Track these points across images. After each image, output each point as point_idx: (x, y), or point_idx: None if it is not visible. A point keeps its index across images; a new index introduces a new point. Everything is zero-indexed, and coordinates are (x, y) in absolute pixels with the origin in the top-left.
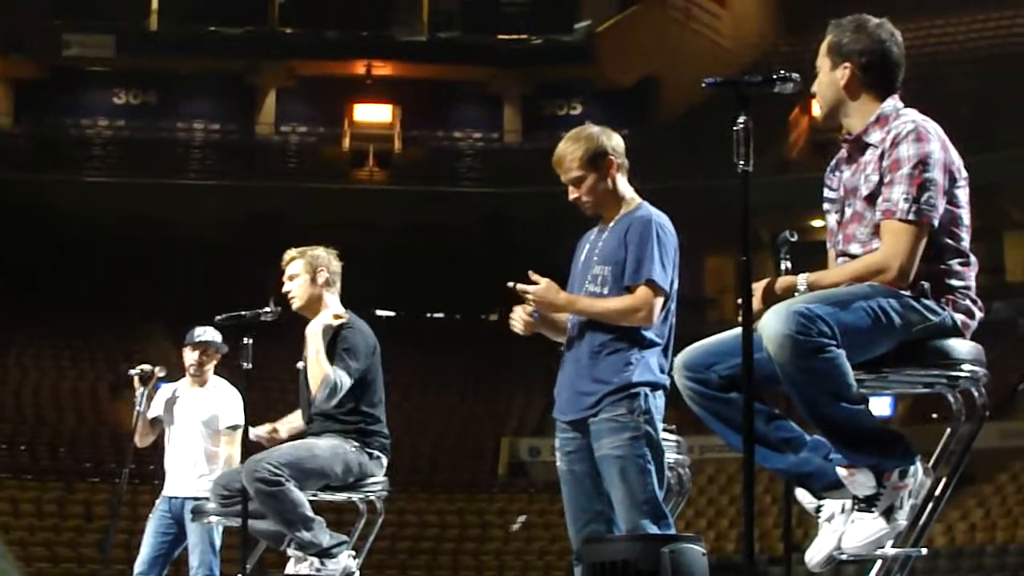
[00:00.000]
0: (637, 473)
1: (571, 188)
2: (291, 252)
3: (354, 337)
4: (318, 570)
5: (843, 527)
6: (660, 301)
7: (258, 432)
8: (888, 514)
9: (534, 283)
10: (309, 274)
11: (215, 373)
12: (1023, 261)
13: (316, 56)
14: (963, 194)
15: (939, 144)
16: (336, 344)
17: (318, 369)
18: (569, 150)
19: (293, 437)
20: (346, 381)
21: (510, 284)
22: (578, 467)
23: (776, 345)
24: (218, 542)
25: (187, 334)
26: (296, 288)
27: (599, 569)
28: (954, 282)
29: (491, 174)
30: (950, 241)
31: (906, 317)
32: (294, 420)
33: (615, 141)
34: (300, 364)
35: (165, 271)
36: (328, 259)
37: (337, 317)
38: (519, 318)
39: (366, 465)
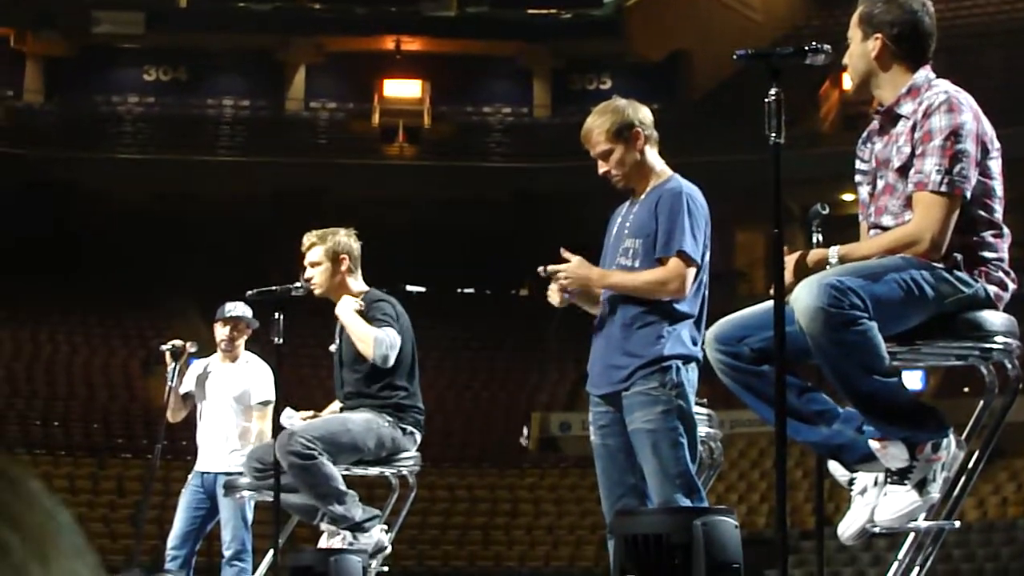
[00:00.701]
0: (669, 447)
1: (600, 162)
2: (310, 237)
3: (385, 307)
4: (351, 544)
5: (876, 500)
6: (692, 272)
7: (292, 420)
8: (921, 487)
9: (566, 261)
10: (331, 261)
11: (246, 348)
12: None
13: (345, 32)
14: (996, 165)
15: (971, 115)
16: (369, 315)
17: (363, 334)
18: (596, 124)
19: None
20: (395, 337)
21: (540, 269)
22: (611, 441)
23: (808, 318)
24: (250, 517)
25: (218, 309)
26: (318, 276)
27: (632, 542)
28: (987, 254)
29: (520, 149)
30: (983, 213)
31: (938, 289)
32: (335, 409)
33: (642, 113)
34: (333, 347)
35: (195, 247)
36: (349, 243)
37: (360, 295)
38: (554, 291)
39: (399, 440)
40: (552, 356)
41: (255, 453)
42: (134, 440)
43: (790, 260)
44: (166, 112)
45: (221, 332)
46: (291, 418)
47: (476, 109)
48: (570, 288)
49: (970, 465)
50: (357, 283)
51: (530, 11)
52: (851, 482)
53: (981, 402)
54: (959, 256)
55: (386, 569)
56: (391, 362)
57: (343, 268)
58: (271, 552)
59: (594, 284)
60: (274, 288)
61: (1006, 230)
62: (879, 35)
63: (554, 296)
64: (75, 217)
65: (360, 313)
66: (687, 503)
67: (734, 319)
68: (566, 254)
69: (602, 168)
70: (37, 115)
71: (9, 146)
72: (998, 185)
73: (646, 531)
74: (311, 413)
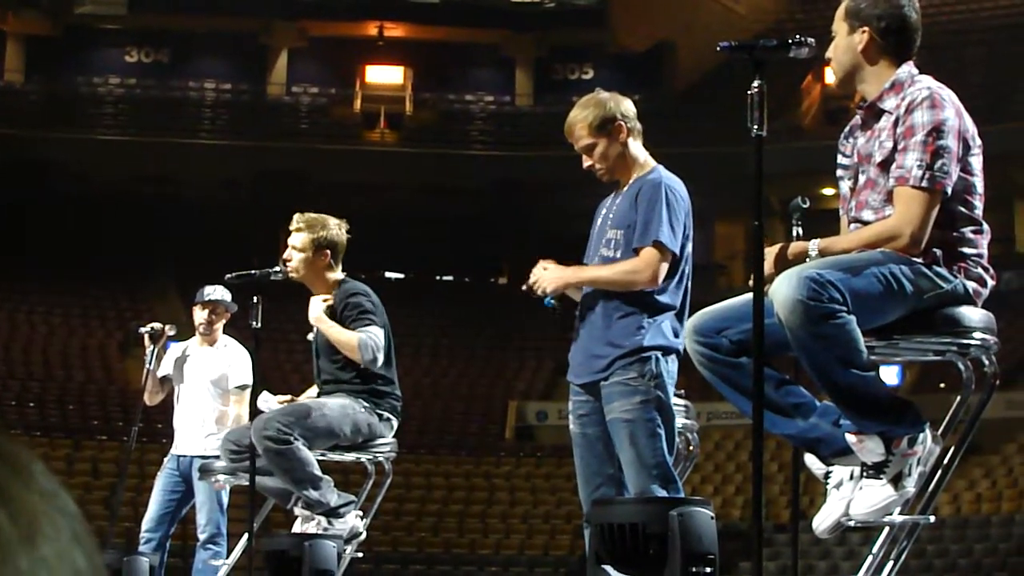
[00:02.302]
0: (647, 437)
1: (584, 156)
2: (299, 220)
3: (358, 299)
4: (325, 529)
5: (851, 494)
6: (666, 263)
7: (269, 404)
8: (896, 481)
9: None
10: (311, 251)
11: (224, 332)
12: None
13: (328, 17)
14: (977, 162)
15: (954, 111)
16: (346, 314)
17: (346, 340)
18: (579, 117)
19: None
20: (378, 334)
21: (524, 288)
22: (590, 430)
23: (787, 310)
24: (225, 500)
25: (197, 293)
26: (296, 261)
27: (608, 531)
28: (966, 250)
29: (502, 137)
30: (963, 209)
31: (917, 284)
32: (313, 394)
33: (625, 106)
34: (310, 336)
35: (175, 230)
36: (335, 235)
37: (331, 289)
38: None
39: (375, 426)
40: (530, 345)
41: (231, 436)
42: (110, 422)
43: (770, 252)
44: (147, 94)
45: (200, 315)
46: (267, 402)
47: (458, 97)
48: (550, 292)
49: (946, 461)
50: (335, 274)
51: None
52: (827, 475)
53: (958, 398)
54: (938, 251)
55: (360, 555)
56: (380, 361)
57: (322, 261)
58: (246, 536)
59: (569, 282)
60: (253, 272)
61: (986, 226)
62: (866, 28)
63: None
64: (55, 198)
65: (331, 309)
66: (663, 493)
67: (713, 311)
68: (542, 263)
69: (586, 162)
70: (18, 95)
71: None
72: (979, 182)
73: (622, 520)
74: (288, 397)
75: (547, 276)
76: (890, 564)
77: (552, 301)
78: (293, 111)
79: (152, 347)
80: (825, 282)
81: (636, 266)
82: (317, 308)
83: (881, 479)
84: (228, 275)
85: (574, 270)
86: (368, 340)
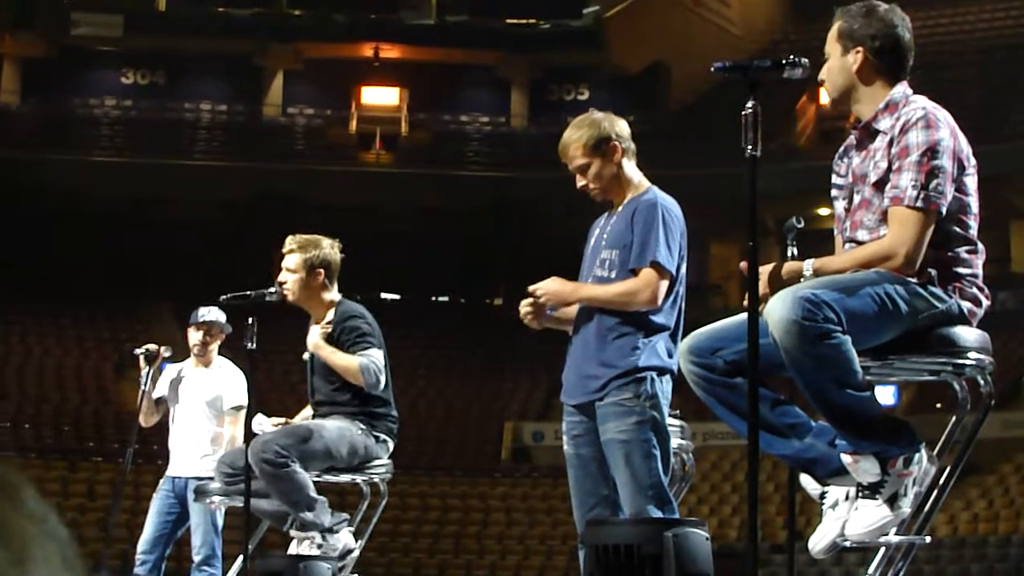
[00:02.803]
0: (642, 458)
1: (578, 176)
2: (291, 243)
3: (360, 325)
4: (320, 546)
5: (847, 514)
6: (665, 283)
7: (263, 426)
8: (892, 501)
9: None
10: (305, 272)
11: (219, 353)
12: None
13: (324, 38)
14: (971, 182)
15: (948, 131)
16: (344, 338)
17: (346, 366)
18: (573, 138)
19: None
20: (378, 357)
21: (531, 290)
22: (584, 451)
23: (782, 330)
24: (220, 522)
25: (192, 314)
26: (291, 283)
27: (603, 552)
28: (961, 270)
29: (497, 158)
30: (958, 229)
31: (912, 304)
32: (307, 415)
33: (619, 126)
34: (305, 355)
35: (170, 251)
36: (328, 256)
37: (327, 310)
38: (527, 310)
39: (371, 447)
40: (526, 365)
41: (226, 458)
42: (105, 443)
43: (765, 272)
44: (143, 115)
45: (195, 337)
46: (262, 424)
47: (453, 118)
48: (547, 304)
49: (941, 481)
50: (330, 294)
51: (509, 21)
52: (823, 496)
53: (954, 418)
54: (933, 271)
55: None
56: (383, 384)
57: (317, 281)
58: (241, 557)
59: (568, 298)
60: (248, 293)
61: (981, 247)
62: (860, 48)
63: (530, 320)
64: (50, 219)
65: (329, 336)
66: (659, 514)
67: (708, 331)
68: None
69: (580, 182)
70: (14, 116)
71: None
72: (974, 202)
73: (617, 542)
74: (283, 420)
75: (546, 288)
76: None
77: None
78: (289, 132)
79: (147, 368)
80: (820, 302)
81: (635, 286)
82: (315, 335)
83: (877, 499)
84: (223, 296)
85: (573, 287)
86: (370, 364)
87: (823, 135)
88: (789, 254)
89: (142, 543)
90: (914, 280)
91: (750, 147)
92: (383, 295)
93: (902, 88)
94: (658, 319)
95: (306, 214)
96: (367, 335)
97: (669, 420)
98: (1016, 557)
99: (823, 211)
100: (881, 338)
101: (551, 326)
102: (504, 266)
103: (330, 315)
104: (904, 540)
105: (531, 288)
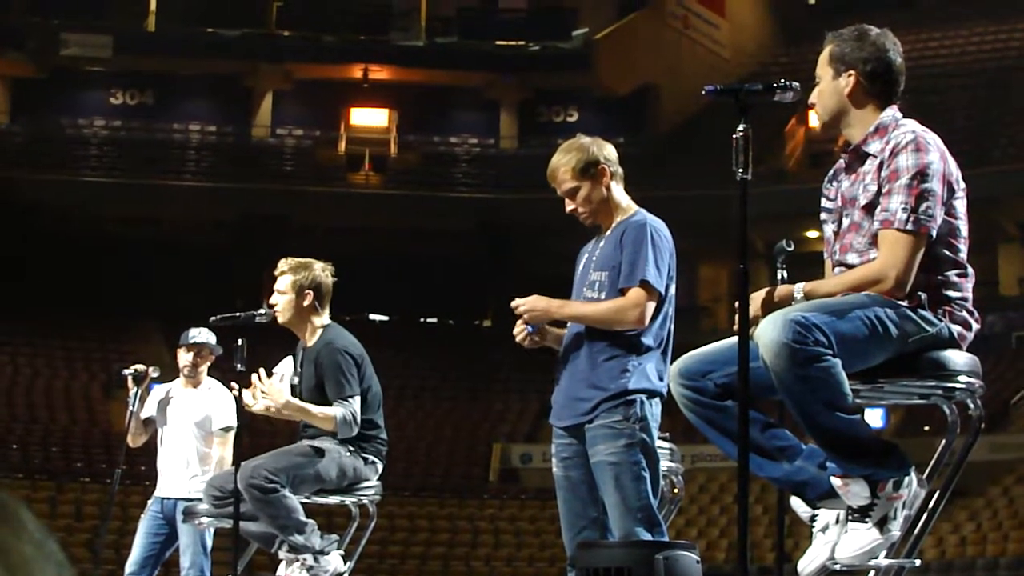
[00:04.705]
0: (632, 480)
1: (567, 200)
2: (284, 265)
3: (337, 360)
4: (310, 568)
5: (837, 537)
6: (653, 303)
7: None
8: (882, 524)
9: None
10: (295, 294)
11: (209, 374)
12: (1017, 274)
13: (313, 59)
14: (961, 205)
15: (938, 155)
16: (321, 373)
17: (323, 418)
18: (562, 162)
19: (290, 440)
20: (355, 404)
21: (513, 304)
22: (573, 473)
23: (772, 353)
24: (209, 543)
25: (181, 335)
26: (281, 305)
27: (593, 575)
28: (951, 293)
29: (487, 180)
30: (947, 252)
31: (902, 327)
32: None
33: (607, 150)
34: (295, 380)
35: (160, 272)
36: (319, 279)
37: (314, 334)
38: (520, 331)
39: (360, 469)
40: (514, 387)
41: (215, 481)
42: (93, 464)
43: (756, 296)
44: (132, 136)
45: (184, 358)
46: (284, 376)
47: (443, 139)
48: (531, 321)
49: (931, 504)
50: (320, 318)
51: (498, 43)
52: (812, 519)
53: (943, 441)
54: (923, 295)
55: None
56: (355, 432)
57: (306, 303)
58: None
59: (554, 314)
60: (238, 314)
61: (970, 270)
62: (852, 72)
63: (521, 337)
64: (39, 238)
65: (311, 368)
66: (648, 537)
67: (698, 354)
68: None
69: (569, 206)
70: (3, 136)
71: None
72: (963, 225)
73: (607, 564)
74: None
75: (530, 303)
76: None
77: (533, 328)
78: (278, 153)
79: (136, 389)
80: (811, 325)
81: (623, 304)
82: (284, 394)
83: (867, 522)
84: (213, 317)
85: (560, 303)
86: (347, 415)
87: (812, 158)
88: (779, 277)
89: (130, 564)
90: (904, 303)
91: (740, 170)
92: (371, 316)
93: (892, 112)
94: (647, 341)
95: (295, 235)
96: (347, 378)
97: (658, 442)
98: None
99: (812, 234)
100: (871, 361)
101: (548, 344)
102: (493, 287)
103: (314, 339)
104: (893, 563)
105: (513, 304)
